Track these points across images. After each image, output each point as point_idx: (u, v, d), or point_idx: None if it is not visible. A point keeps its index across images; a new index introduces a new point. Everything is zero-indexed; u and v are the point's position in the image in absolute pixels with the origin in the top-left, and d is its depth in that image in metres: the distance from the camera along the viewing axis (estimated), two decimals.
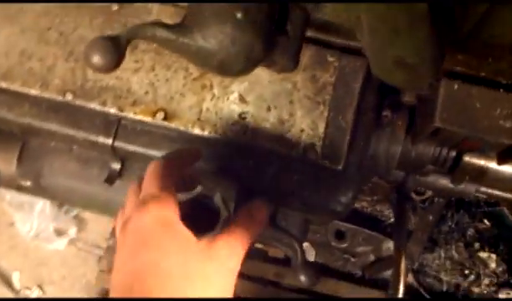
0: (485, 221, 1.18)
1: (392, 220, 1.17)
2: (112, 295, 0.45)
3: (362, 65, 0.60)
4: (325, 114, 0.60)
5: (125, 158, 0.66)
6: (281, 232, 0.68)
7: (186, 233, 0.47)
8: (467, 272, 1.20)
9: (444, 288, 1.23)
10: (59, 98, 0.61)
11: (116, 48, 0.40)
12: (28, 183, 0.68)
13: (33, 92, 0.61)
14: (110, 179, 0.66)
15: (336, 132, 0.60)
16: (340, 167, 0.60)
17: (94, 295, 1.40)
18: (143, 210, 0.47)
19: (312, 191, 0.61)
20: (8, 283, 1.44)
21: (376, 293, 1.41)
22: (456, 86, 0.59)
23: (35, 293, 1.45)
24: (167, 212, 0.47)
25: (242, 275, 1.39)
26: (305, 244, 1.44)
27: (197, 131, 0.60)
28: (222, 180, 0.60)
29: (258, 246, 1.48)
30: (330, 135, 0.60)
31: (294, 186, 0.61)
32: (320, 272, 0.69)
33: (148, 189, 0.49)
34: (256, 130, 0.60)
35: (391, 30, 0.37)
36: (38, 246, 1.44)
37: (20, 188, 0.69)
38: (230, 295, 0.47)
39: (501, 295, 1.17)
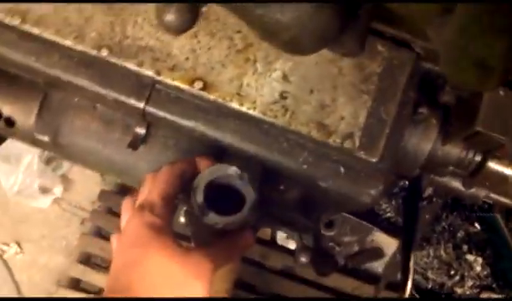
0: (476, 225, 1.20)
1: (388, 215, 1.18)
2: (106, 283, 0.51)
3: (410, 59, 0.59)
4: (368, 104, 0.59)
5: (151, 124, 0.63)
6: (299, 217, 0.67)
7: (171, 240, 0.52)
8: (452, 272, 1.22)
9: (429, 286, 1.26)
10: (94, 52, 0.58)
11: (192, 9, 0.37)
12: (46, 138, 0.65)
13: (67, 43, 0.58)
14: (134, 144, 0.63)
15: (377, 124, 0.59)
16: (375, 159, 0.59)
17: (73, 257, 1.37)
18: (138, 215, 0.53)
19: (344, 179, 0.60)
20: None
21: (356, 283, 1.43)
22: (502, 92, 0.59)
23: (12, 250, 1.40)
24: (158, 219, 0.52)
25: None
26: None
27: (234, 105, 0.58)
28: (248, 162, 0.59)
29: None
30: (371, 125, 0.59)
31: (327, 173, 0.60)
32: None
33: (147, 195, 0.54)
34: (295, 111, 0.58)
35: (483, 30, 0.36)
36: (20, 202, 1.39)
37: (36, 143, 0.66)
38: (203, 296, 0.52)
39: (482, 297, 1.21)
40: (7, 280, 1.37)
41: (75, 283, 1.35)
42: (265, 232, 1.46)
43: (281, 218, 0.71)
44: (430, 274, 1.25)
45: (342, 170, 0.60)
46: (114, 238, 0.58)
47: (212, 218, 0.53)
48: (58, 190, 1.40)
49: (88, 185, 1.45)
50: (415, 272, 1.25)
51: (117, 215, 1.38)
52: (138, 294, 0.49)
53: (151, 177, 0.56)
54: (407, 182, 1.05)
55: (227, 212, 0.53)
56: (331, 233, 1.49)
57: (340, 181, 0.60)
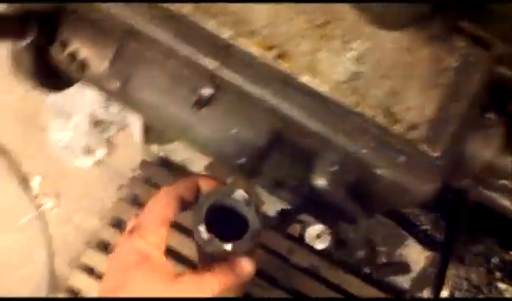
0: None
1: (425, 227, 1.16)
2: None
3: (488, 58, 0.58)
4: (439, 97, 0.58)
5: (219, 87, 0.64)
6: (350, 201, 0.66)
7: (159, 266, 0.52)
8: (481, 296, 1.20)
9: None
10: (174, 7, 0.60)
11: None
12: (115, 85, 0.67)
13: None
14: (199, 103, 0.64)
15: (445, 118, 0.58)
16: (436, 154, 0.58)
17: (106, 221, 1.40)
18: (127, 239, 0.53)
19: (401, 169, 0.60)
20: (26, 187, 1.44)
21: (379, 294, 1.41)
22: None
23: (50, 203, 1.44)
24: (146, 244, 0.52)
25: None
26: (322, 227, 1.44)
27: (305, 79, 0.59)
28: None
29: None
30: (438, 120, 0.58)
31: (385, 160, 0.60)
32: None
33: (140, 217, 0.55)
34: (365, 94, 0.59)
35: None
36: (65, 158, 1.43)
37: (104, 88, 0.68)
38: None
39: None
40: (41, 232, 1.41)
41: (104, 246, 1.38)
42: (294, 229, 1.46)
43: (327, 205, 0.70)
44: (458, 294, 1.22)
45: (401, 159, 0.59)
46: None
47: (211, 243, 0.52)
48: (101, 152, 1.43)
49: (130, 152, 1.48)
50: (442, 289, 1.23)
51: (154, 185, 1.41)
52: None
53: (152, 199, 0.56)
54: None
55: (227, 236, 0.52)
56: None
57: (398, 170, 0.60)
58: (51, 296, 1.35)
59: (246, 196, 0.53)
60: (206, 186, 0.57)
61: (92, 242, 1.38)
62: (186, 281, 0.52)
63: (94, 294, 1.31)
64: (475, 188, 0.76)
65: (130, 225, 0.56)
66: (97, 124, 1.43)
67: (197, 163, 1.47)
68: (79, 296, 1.34)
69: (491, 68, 0.60)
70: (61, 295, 1.32)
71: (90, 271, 1.35)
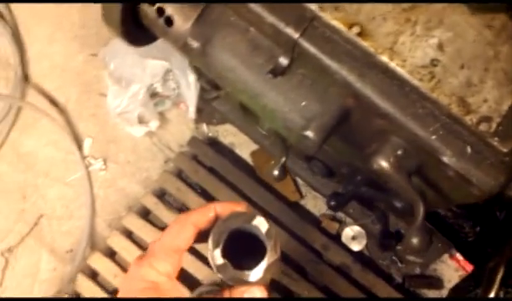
0: None
1: (470, 240, 1.15)
2: None
3: None
4: None
5: (296, 58, 0.66)
6: (410, 186, 0.66)
7: (170, 293, 0.51)
8: None
9: None
10: None
11: None
12: (195, 45, 0.69)
13: None
14: (275, 72, 0.66)
15: None
16: (506, 150, 0.59)
17: (150, 190, 1.43)
18: (137, 265, 0.52)
19: (468, 160, 0.60)
20: (78, 146, 1.49)
21: None
22: None
23: (98, 165, 1.49)
24: (154, 273, 0.51)
25: (292, 234, 1.40)
26: (359, 229, 1.44)
27: (384, 58, 0.60)
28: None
29: (316, 214, 1.50)
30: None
31: (453, 150, 0.60)
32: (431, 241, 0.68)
33: (152, 244, 0.54)
34: (441, 81, 0.60)
35: None
36: (118, 124, 1.48)
37: (184, 47, 0.71)
38: None
39: None
40: (87, 191, 1.46)
41: (145, 213, 1.42)
42: (333, 226, 1.46)
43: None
44: None
45: (469, 150, 0.60)
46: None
47: (224, 270, 0.50)
48: (153, 124, 1.47)
49: (182, 128, 1.51)
50: None
51: (201, 164, 1.44)
52: None
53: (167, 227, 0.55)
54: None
55: (242, 264, 0.50)
56: (398, 247, 1.47)
57: (464, 160, 0.60)
58: (91, 255, 1.39)
59: (266, 224, 0.51)
60: (223, 211, 0.54)
61: (134, 208, 1.42)
62: None
63: (129, 256, 1.35)
64: None
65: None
66: (153, 96, 1.47)
67: (245, 148, 1.49)
68: (115, 257, 1.38)
69: None
70: (99, 254, 1.36)
71: (129, 234, 1.39)
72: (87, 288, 1.34)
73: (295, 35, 0.63)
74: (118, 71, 1.43)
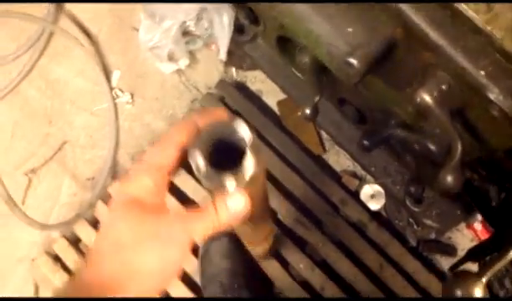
0: None
1: (493, 204, 1.14)
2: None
3: None
4: None
5: None
6: (450, 123, 0.65)
7: (145, 208, 0.50)
8: None
9: (502, 294, 1.22)
10: None
11: None
12: None
13: None
14: None
15: None
16: None
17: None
18: (123, 180, 0.54)
19: None
20: (107, 77, 1.50)
21: (419, 267, 1.40)
22: None
23: (125, 98, 1.50)
24: (133, 187, 0.50)
25: (312, 185, 1.40)
26: (379, 188, 1.43)
27: None
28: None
29: (337, 169, 1.49)
30: None
31: (501, 87, 0.59)
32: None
33: (134, 167, 0.54)
34: (499, 14, 0.58)
35: None
36: (148, 59, 1.48)
37: None
38: (179, 265, 0.50)
39: None
40: (112, 122, 1.47)
41: None
42: (353, 182, 1.46)
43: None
44: (507, 283, 1.21)
45: None
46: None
47: (207, 175, 0.49)
48: (183, 62, 1.47)
49: (211, 69, 1.51)
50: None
51: (227, 106, 1.44)
52: (107, 255, 0.48)
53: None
54: None
55: (226, 170, 0.49)
56: (416, 209, 1.46)
57: (510, 100, 0.59)
58: (111, 184, 1.41)
59: (248, 131, 0.50)
60: (206, 123, 0.52)
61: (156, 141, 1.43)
62: (169, 217, 0.50)
63: None
64: None
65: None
66: (185, 34, 1.45)
67: (272, 96, 1.48)
68: None
69: None
70: (119, 183, 1.38)
71: None
72: (106, 214, 1.37)
73: None
74: (152, 6, 1.42)
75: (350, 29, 0.66)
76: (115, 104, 1.49)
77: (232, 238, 1.37)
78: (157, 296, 0.51)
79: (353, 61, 0.65)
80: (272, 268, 1.40)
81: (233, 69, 1.50)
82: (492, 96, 0.59)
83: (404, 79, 0.69)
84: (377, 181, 1.43)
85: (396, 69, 0.70)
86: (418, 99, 0.63)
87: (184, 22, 1.44)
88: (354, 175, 1.48)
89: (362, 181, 1.46)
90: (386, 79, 0.74)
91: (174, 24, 1.42)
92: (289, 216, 1.42)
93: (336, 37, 0.67)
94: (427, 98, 0.63)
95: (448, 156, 0.65)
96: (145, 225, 0.49)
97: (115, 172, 1.45)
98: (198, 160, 0.49)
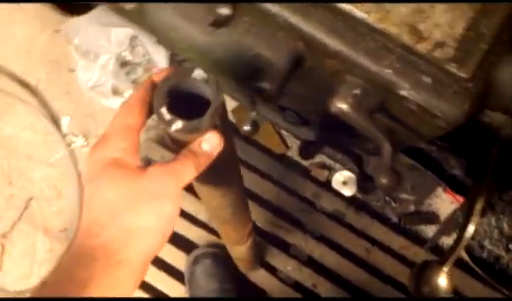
0: None
1: (454, 171, 1.13)
2: (80, 225, 0.51)
3: None
4: (469, 14, 0.54)
5: (239, 5, 0.62)
6: (376, 126, 0.63)
7: (127, 167, 0.50)
8: (511, 246, 1.16)
9: (484, 256, 1.21)
10: None
11: None
12: (132, 5, 0.65)
13: None
14: (217, 23, 0.62)
15: (475, 37, 0.54)
16: (466, 76, 0.55)
17: None
18: (95, 147, 0.53)
19: (427, 91, 0.57)
20: (57, 125, 1.46)
21: (405, 243, 1.39)
22: None
23: (80, 141, 1.47)
24: (111, 151, 0.51)
25: (282, 186, 1.38)
26: (349, 174, 1.41)
27: None
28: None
29: (304, 163, 1.47)
30: (468, 38, 0.54)
31: (411, 82, 0.57)
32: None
33: (104, 131, 0.53)
34: (390, 10, 0.55)
35: None
36: (93, 98, 1.44)
37: (121, 10, 0.66)
38: (171, 213, 0.51)
39: None
40: (71, 168, 1.44)
41: None
42: (322, 173, 1.44)
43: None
44: (487, 244, 1.19)
45: (428, 80, 0.56)
46: None
47: (174, 124, 0.49)
48: (128, 93, 1.44)
49: None
50: (471, 237, 1.19)
51: None
52: (103, 223, 0.48)
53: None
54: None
55: (190, 116, 0.50)
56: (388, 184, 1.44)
57: (424, 92, 0.56)
58: None
59: (204, 74, 0.52)
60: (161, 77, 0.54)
61: None
62: (154, 172, 0.50)
63: None
64: (510, 125, 0.73)
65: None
66: (124, 65, 1.43)
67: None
68: None
69: None
70: None
71: None
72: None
73: None
74: (83, 45, 1.39)
75: (253, 52, 0.63)
76: (71, 150, 1.46)
77: (215, 258, 1.35)
78: (159, 250, 0.52)
79: (263, 84, 0.63)
80: (260, 277, 1.38)
81: None
82: (404, 92, 0.57)
83: (322, 85, 0.67)
84: (346, 166, 1.41)
85: (311, 77, 0.68)
86: (334, 109, 0.61)
87: (119, 53, 1.41)
88: (322, 165, 1.46)
89: (332, 170, 1.45)
90: (306, 86, 0.71)
91: (110, 58, 1.39)
92: (266, 223, 1.40)
93: (242, 62, 0.64)
94: (343, 106, 0.60)
95: (381, 159, 0.63)
96: (135, 185, 0.49)
97: None
98: (162, 112, 0.49)
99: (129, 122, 0.52)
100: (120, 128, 0.52)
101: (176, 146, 0.55)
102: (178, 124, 0.49)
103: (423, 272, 0.70)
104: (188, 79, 0.52)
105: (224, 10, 0.62)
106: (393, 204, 1.43)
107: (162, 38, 0.68)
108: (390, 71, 0.57)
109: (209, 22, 0.63)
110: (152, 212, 0.49)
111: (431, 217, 1.44)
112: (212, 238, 1.32)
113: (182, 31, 0.65)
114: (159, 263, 1.33)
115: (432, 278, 0.70)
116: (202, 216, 1.34)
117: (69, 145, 1.46)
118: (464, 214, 0.72)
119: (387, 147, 0.63)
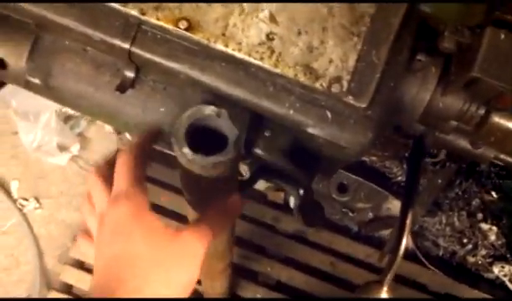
0: (493, 193, 1.16)
1: (399, 179, 1.15)
2: (93, 281, 0.50)
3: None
4: (358, 46, 0.56)
5: (140, 67, 0.62)
6: (290, 168, 0.65)
7: (155, 222, 0.51)
8: (465, 240, 1.19)
9: (440, 253, 1.23)
10: None
11: None
12: (37, 81, 0.65)
13: None
14: (122, 87, 0.63)
15: (367, 67, 0.56)
16: (364, 105, 0.57)
17: None
18: (116, 205, 0.51)
19: (331, 126, 0.58)
20: (7, 191, 1.44)
21: (369, 251, 1.41)
22: (502, 36, 0.56)
23: (32, 205, 1.45)
24: (137, 205, 0.51)
25: (241, 216, 1.39)
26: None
27: (219, 47, 0.57)
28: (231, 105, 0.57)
29: (261, 188, 1.48)
30: (360, 69, 0.56)
31: (314, 119, 0.58)
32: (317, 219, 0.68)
33: (120, 185, 0.53)
34: (282, 53, 0.57)
35: None
36: (40, 158, 1.43)
37: (28, 85, 0.66)
38: (196, 277, 0.51)
39: (495, 268, 1.17)
40: (27, 234, 1.42)
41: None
42: (278, 196, 1.45)
43: (275, 170, 0.69)
44: (441, 242, 1.22)
45: (329, 115, 0.58)
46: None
47: (197, 162, 0.50)
48: (75, 148, 1.43)
49: (104, 143, 1.47)
50: (425, 238, 1.22)
51: None
52: (130, 284, 0.47)
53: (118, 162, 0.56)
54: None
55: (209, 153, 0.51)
56: (345, 199, 1.47)
57: (328, 127, 0.58)
58: (47, 295, 1.36)
59: (215, 108, 0.52)
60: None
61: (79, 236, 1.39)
62: (187, 236, 0.51)
63: (85, 286, 1.33)
64: (431, 133, 0.75)
65: (101, 196, 0.56)
66: (66, 119, 1.42)
67: None
68: (72, 290, 1.35)
69: (411, 8, 0.57)
70: (55, 292, 1.33)
71: (81, 264, 1.36)
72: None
73: (126, 45, 0.59)
74: (22, 106, 1.37)
75: (162, 109, 0.64)
76: (25, 215, 1.44)
77: None
78: None
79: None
80: None
81: (126, 133, 1.47)
82: (310, 129, 0.58)
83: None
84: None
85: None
86: (253, 154, 0.62)
87: (60, 109, 1.40)
88: (278, 188, 1.46)
89: (288, 191, 1.46)
90: None
91: (51, 115, 1.38)
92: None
93: (155, 121, 0.65)
94: (256, 150, 0.62)
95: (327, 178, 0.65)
96: (169, 247, 0.50)
97: (47, 282, 1.40)
98: (185, 152, 0.50)
99: (138, 173, 0.54)
100: (135, 181, 0.53)
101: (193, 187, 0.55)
102: (201, 162, 0.50)
103: (365, 293, 0.71)
104: (202, 116, 0.52)
105: (128, 73, 0.62)
106: (351, 214, 1.44)
107: (74, 107, 0.68)
108: (292, 111, 0.58)
109: (114, 86, 0.63)
110: (180, 276, 0.50)
111: (390, 221, 1.46)
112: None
113: (91, 98, 0.65)
114: None
115: (374, 296, 0.71)
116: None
117: (21, 209, 1.44)
118: (397, 230, 0.74)
119: (306, 182, 0.64)
